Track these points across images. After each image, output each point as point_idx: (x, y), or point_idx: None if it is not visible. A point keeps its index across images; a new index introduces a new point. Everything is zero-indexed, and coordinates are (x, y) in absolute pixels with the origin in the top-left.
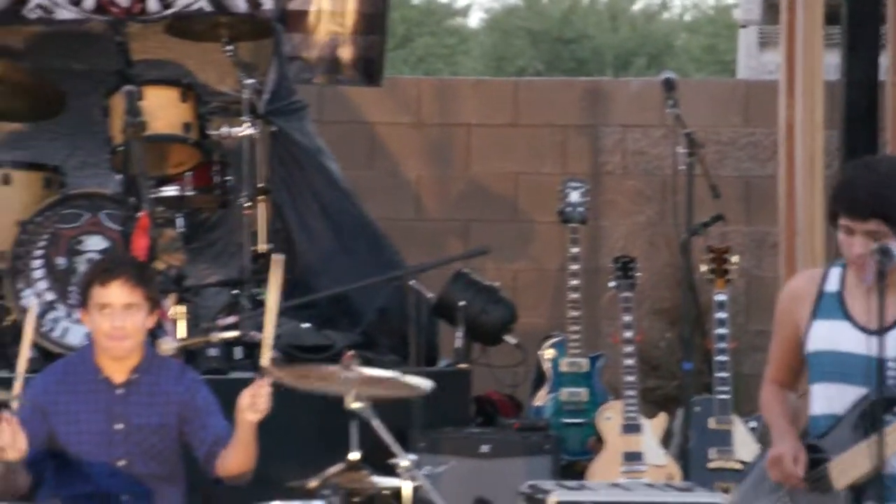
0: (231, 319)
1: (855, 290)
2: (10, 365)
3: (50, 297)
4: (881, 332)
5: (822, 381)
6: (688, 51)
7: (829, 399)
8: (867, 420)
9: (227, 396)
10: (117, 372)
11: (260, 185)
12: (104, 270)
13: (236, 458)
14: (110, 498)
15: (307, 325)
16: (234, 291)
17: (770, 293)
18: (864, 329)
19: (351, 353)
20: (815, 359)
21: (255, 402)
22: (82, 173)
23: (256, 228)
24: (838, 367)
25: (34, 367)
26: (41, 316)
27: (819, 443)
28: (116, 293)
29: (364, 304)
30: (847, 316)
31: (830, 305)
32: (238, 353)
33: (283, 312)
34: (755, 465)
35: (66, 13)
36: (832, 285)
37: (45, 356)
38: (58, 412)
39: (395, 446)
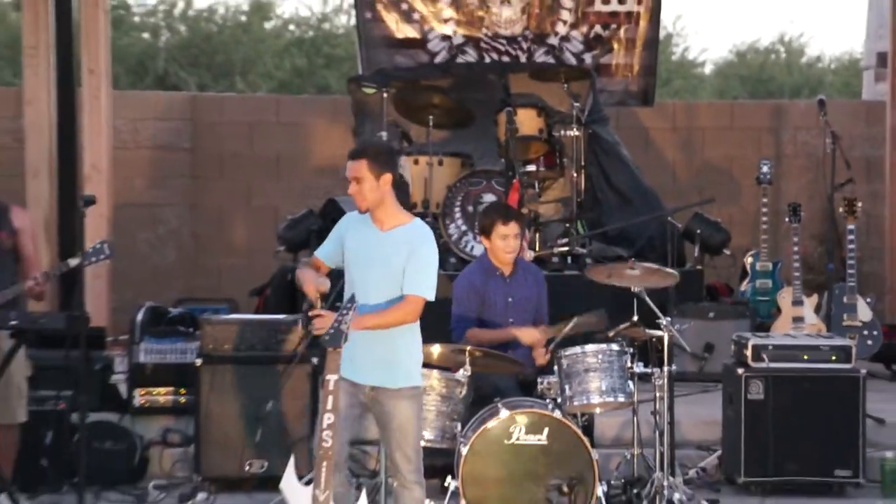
0: (564, 240)
1: None
2: None
3: (464, 228)
4: None
5: None
6: (834, 85)
7: None
8: None
9: (561, 286)
10: (505, 268)
11: (581, 164)
12: (505, 215)
13: None
14: (508, 345)
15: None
16: (566, 224)
17: (880, 225)
18: None
19: (632, 259)
20: None
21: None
22: (482, 159)
23: (580, 188)
24: None
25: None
26: (459, 239)
27: None
28: (513, 227)
29: (641, 231)
30: None
31: None
32: (569, 260)
33: (595, 237)
34: None
35: (474, 63)
36: None
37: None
38: (482, 292)
39: (658, 312)
